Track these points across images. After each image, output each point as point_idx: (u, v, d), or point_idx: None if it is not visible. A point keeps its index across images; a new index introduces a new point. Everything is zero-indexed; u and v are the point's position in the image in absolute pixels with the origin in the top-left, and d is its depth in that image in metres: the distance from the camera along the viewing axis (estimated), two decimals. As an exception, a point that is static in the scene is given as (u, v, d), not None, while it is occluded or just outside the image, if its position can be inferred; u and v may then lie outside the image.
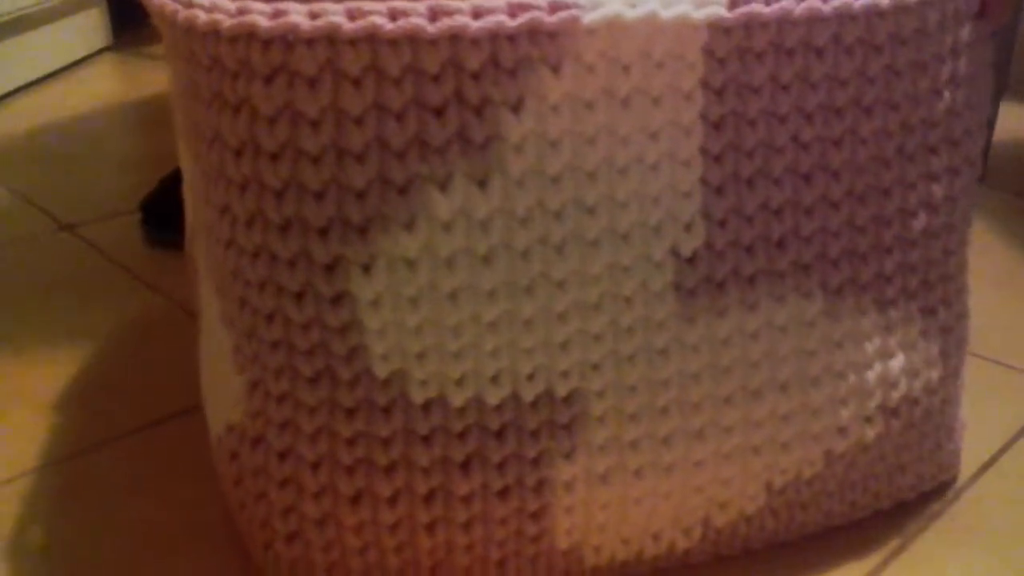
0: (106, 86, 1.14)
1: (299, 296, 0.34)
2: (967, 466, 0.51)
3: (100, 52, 1.24)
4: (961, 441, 0.49)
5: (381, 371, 0.35)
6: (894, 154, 0.39)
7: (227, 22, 0.31)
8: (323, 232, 0.33)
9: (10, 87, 1.09)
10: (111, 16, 1.25)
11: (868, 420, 0.42)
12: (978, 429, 0.54)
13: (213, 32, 0.31)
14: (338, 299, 0.34)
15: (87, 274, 0.72)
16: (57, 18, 1.14)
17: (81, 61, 1.20)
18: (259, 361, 0.37)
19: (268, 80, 0.31)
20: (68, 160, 0.93)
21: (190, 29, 0.32)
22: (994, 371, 0.62)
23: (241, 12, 0.31)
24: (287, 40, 0.30)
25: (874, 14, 0.35)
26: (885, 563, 0.45)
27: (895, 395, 0.43)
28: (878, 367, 0.42)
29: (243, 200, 0.33)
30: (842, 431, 0.42)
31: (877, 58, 0.36)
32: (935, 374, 0.44)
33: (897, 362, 0.42)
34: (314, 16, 0.30)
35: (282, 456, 0.38)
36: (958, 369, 0.45)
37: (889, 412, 0.43)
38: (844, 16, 0.35)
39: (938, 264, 0.42)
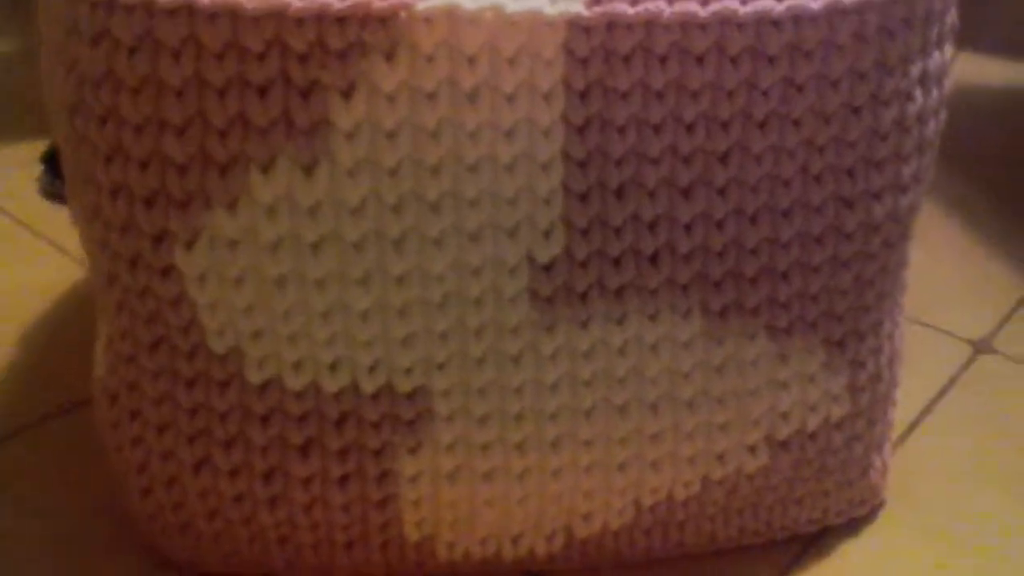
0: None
1: (132, 263, 0.34)
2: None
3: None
4: (882, 478, 0.46)
5: (217, 347, 0.35)
6: (795, 174, 0.35)
7: (59, -20, 0.30)
8: (148, 202, 0.32)
9: None
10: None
11: (751, 450, 0.40)
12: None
13: (48, -12, 0.31)
14: (167, 271, 0.33)
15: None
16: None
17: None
18: (108, 320, 0.37)
19: (93, 43, 0.30)
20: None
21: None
22: (910, 330, 0.61)
23: (70, -29, 0.30)
24: (109, 4, 0.30)
25: (766, 23, 0.32)
26: (805, 549, 0.45)
27: (785, 428, 0.40)
28: (766, 397, 0.39)
29: (78, 159, 0.33)
30: (720, 458, 0.40)
31: (771, 70, 0.33)
32: (839, 410, 0.41)
33: (790, 394, 0.39)
34: (134, -18, 0.29)
35: (132, 416, 0.38)
36: (873, 407, 0.42)
37: (777, 444, 0.40)
38: (726, 23, 0.31)
39: (848, 295, 0.39)
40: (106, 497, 0.46)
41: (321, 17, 0.29)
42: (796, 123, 0.34)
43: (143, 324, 0.35)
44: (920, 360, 0.60)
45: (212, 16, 0.29)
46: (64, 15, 0.31)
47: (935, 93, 0.37)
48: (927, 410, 0.56)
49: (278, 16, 0.29)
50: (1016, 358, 0.61)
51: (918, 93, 0.36)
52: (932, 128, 0.38)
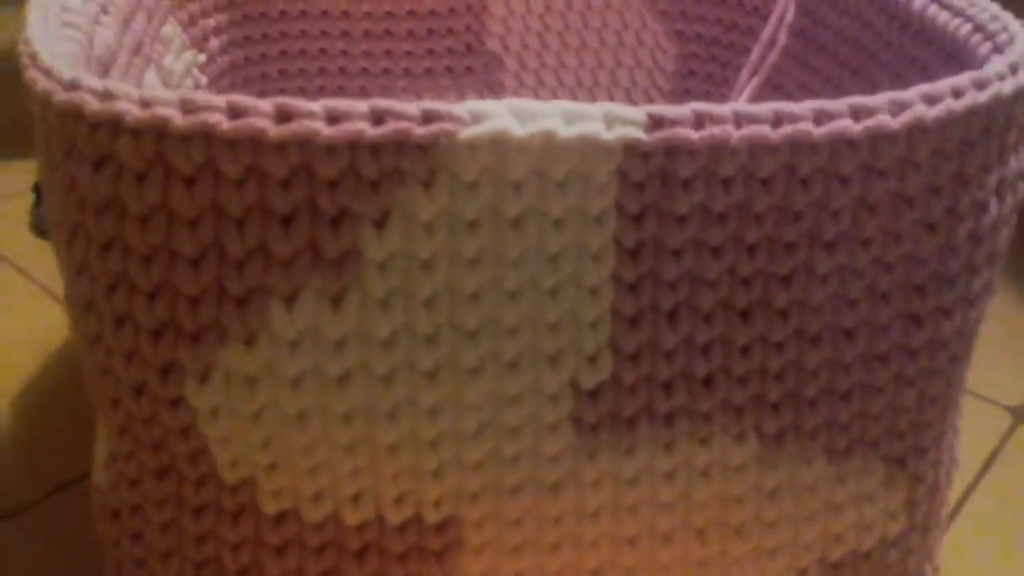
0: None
1: (137, 391, 0.31)
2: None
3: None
4: (931, 584, 0.43)
5: (229, 477, 0.32)
6: (861, 294, 0.33)
7: (60, 95, 0.27)
8: (155, 334, 0.29)
9: None
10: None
11: (802, 573, 0.37)
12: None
13: (47, 100, 0.28)
14: (175, 403, 0.30)
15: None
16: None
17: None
18: (110, 437, 0.34)
19: (96, 166, 0.27)
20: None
21: (32, 93, 0.28)
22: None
23: (72, 87, 0.27)
24: (114, 126, 0.26)
25: (842, 144, 0.29)
26: None
27: (839, 549, 0.37)
28: (821, 520, 0.36)
29: (77, 284, 0.30)
30: (769, 582, 0.37)
31: (843, 191, 0.30)
32: (895, 527, 0.38)
33: (846, 516, 0.37)
34: (145, 104, 0.26)
35: (135, 538, 0.35)
36: (929, 518, 0.40)
37: (829, 566, 0.38)
38: (799, 145, 0.28)
39: (911, 412, 0.36)
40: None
41: (354, 145, 0.26)
42: (865, 243, 0.32)
43: (149, 450, 0.32)
44: (966, 430, 0.57)
45: (232, 143, 0.26)
46: (62, 134, 0.27)
47: (1010, 200, 0.34)
48: (969, 490, 0.54)
49: (306, 143, 0.26)
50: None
51: (993, 203, 0.34)
52: (1004, 236, 0.35)
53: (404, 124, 0.26)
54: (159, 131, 0.26)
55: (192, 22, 0.52)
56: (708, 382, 0.33)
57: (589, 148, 0.27)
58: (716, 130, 0.28)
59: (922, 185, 0.31)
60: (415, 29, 0.62)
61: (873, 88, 0.50)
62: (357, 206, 0.27)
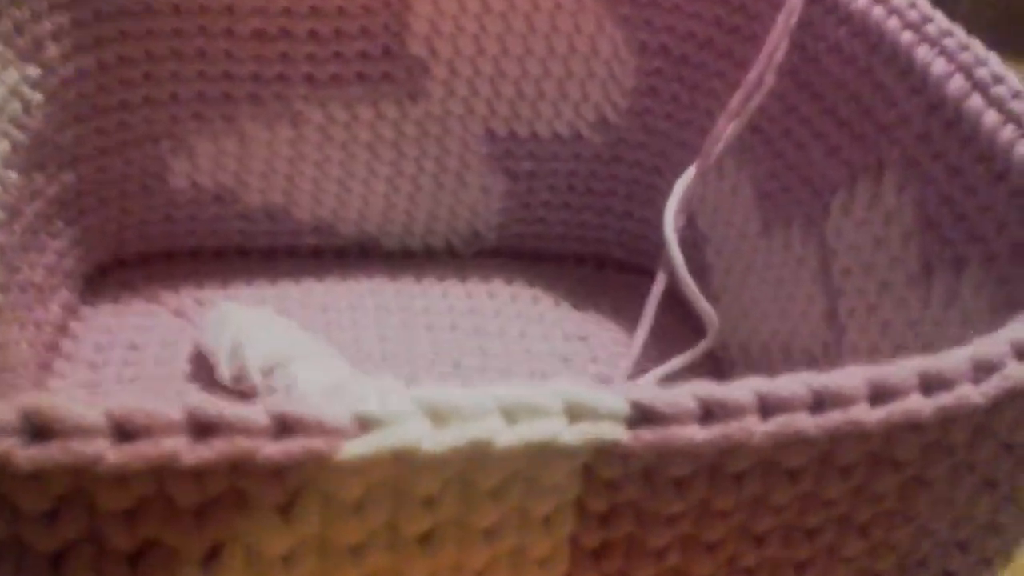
0: None
1: None
2: None
3: None
4: None
5: None
6: (893, 565, 0.24)
7: None
8: None
9: None
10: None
11: None
12: None
13: None
14: None
15: None
16: None
17: None
18: None
19: None
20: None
21: None
22: None
23: None
24: None
25: (906, 428, 0.20)
26: None
27: None
28: None
29: None
30: None
31: (895, 473, 0.21)
32: None
33: None
34: None
35: None
36: None
37: None
38: (846, 437, 0.19)
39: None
40: None
41: (160, 471, 0.16)
42: (911, 518, 0.23)
43: None
44: None
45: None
46: None
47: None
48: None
49: (81, 472, 0.16)
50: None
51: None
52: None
53: (242, 442, 0.16)
54: None
55: (19, 30, 0.40)
56: None
57: (540, 456, 0.18)
58: (733, 426, 0.18)
59: (995, 449, 0.22)
60: (319, 29, 0.50)
61: (879, 166, 0.40)
62: (171, 539, 0.17)
